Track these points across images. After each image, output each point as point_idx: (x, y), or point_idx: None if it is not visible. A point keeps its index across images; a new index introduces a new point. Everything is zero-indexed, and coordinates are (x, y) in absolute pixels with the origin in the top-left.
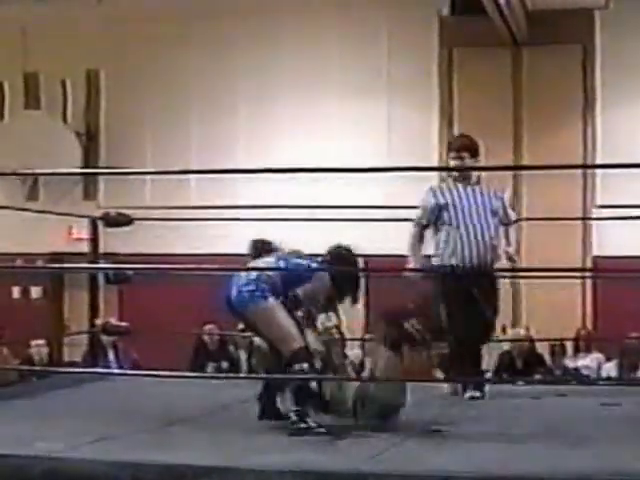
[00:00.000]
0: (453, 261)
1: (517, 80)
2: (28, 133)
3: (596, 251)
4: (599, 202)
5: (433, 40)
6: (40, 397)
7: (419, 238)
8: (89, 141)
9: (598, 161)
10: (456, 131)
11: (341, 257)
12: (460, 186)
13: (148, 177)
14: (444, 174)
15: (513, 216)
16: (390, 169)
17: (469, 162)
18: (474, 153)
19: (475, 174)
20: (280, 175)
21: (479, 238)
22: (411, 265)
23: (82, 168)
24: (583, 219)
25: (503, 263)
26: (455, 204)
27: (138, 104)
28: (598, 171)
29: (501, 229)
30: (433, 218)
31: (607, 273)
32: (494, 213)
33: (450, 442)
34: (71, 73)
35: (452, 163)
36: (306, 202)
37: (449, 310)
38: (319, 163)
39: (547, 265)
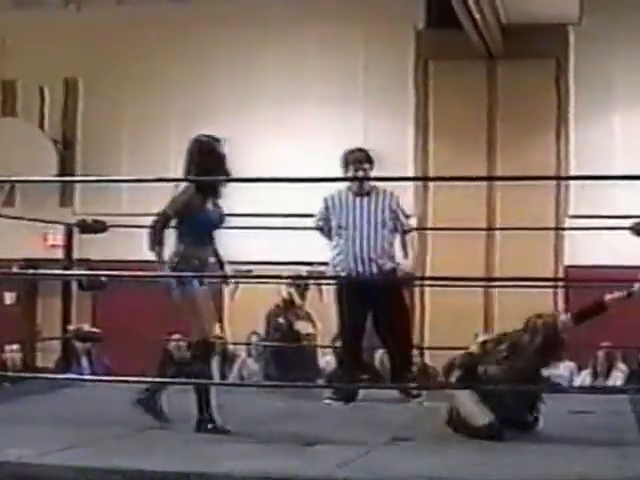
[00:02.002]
0: (340, 269)
1: (492, 92)
2: (5, 140)
3: (568, 260)
4: (572, 212)
5: (409, 52)
6: (12, 402)
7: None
8: (66, 149)
9: (571, 173)
10: (431, 142)
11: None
12: (351, 196)
13: (124, 185)
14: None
15: (407, 226)
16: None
17: (369, 173)
18: (372, 165)
19: (368, 185)
20: (256, 183)
21: (364, 247)
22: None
23: (59, 175)
24: (556, 229)
25: (402, 268)
26: (343, 215)
27: (115, 112)
28: (571, 182)
29: (396, 238)
30: (324, 225)
31: (579, 282)
32: (383, 223)
33: (422, 449)
34: (49, 81)
35: (354, 174)
36: (282, 209)
37: (339, 315)
38: (296, 171)
39: (520, 274)
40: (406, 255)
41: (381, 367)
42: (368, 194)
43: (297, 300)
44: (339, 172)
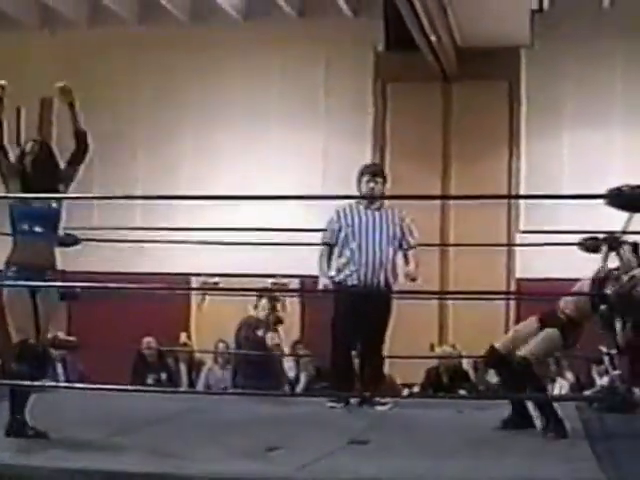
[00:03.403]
0: (349, 280)
1: (447, 113)
2: None
3: (519, 274)
4: (522, 228)
5: (368, 74)
6: None
7: (327, 257)
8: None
9: (522, 189)
10: (388, 160)
11: None
12: (363, 210)
13: (95, 201)
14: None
15: (412, 242)
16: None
17: (381, 187)
18: (385, 179)
19: (379, 201)
20: (216, 200)
21: (374, 259)
22: (322, 285)
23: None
24: (508, 245)
25: (401, 283)
26: (355, 226)
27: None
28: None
29: (400, 253)
30: (335, 239)
31: (529, 295)
32: (392, 237)
33: (378, 452)
34: (25, 100)
35: (367, 186)
36: (242, 225)
37: (335, 322)
38: (259, 190)
39: (473, 287)
40: (409, 266)
41: None
42: (378, 209)
43: (265, 312)
44: (303, 189)
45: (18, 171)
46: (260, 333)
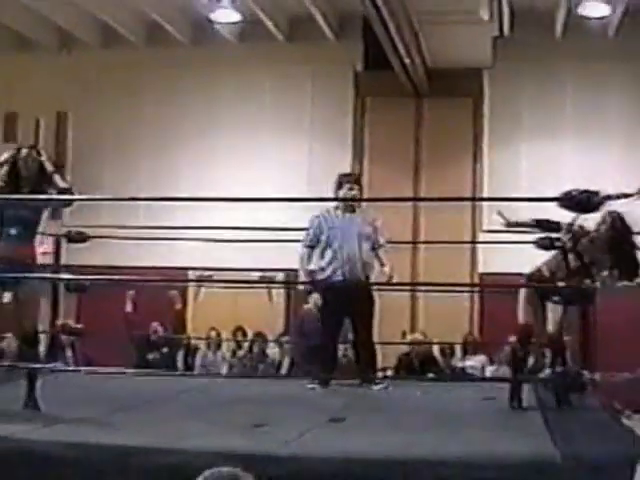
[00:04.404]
0: (335, 276)
1: (418, 125)
2: None
3: (482, 269)
4: (485, 227)
5: (349, 90)
6: (6, 386)
7: (307, 258)
8: (57, 170)
9: (484, 194)
10: (366, 166)
11: None
12: (340, 214)
13: (103, 202)
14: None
15: (382, 241)
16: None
17: (358, 193)
18: (361, 187)
19: (356, 204)
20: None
21: (352, 257)
22: (301, 279)
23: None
24: (472, 243)
25: (376, 277)
26: (336, 229)
27: (99, 141)
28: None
29: (373, 252)
30: (317, 240)
31: (491, 287)
32: (367, 237)
33: (355, 429)
34: (44, 114)
35: (348, 193)
36: (239, 224)
37: (323, 315)
38: (251, 191)
39: (441, 280)
40: (383, 264)
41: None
42: (353, 212)
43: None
44: (289, 191)
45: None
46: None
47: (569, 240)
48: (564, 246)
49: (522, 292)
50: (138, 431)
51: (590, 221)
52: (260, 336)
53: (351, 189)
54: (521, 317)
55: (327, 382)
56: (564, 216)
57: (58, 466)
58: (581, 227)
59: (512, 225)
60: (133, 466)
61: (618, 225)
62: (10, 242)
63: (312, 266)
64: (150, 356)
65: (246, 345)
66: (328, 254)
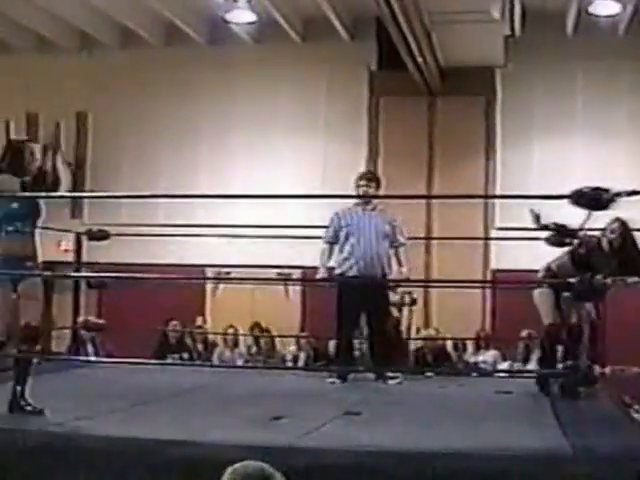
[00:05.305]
0: (350, 272)
1: (431, 123)
2: None
3: (494, 265)
4: (497, 224)
5: (363, 90)
6: (33, 379)
7: (328, 253)
8: (77, 170)
9: (497, 191)
10: (380, 164)
11: None
12: (360, 211)
13: (124, 200)
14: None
15: (402, 240)
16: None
17: (374, 190)
18: (378, 184)
19: (374, 203)
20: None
21: (369, 253)
22: (320, 275)
23: (71, 192)
24: (485, 239)
25: (395, 275)
26: (353, 225)
27: (118, 140)
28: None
29: (392, 250)
30: (336, 236)
31: (503, 284)
32: (385, 235)
33: (371, 422)
34: (64, 114)
35: (363, 189)
36: (255, 222)
37: (339, 309)
38: (267, 191)
39: (454, 277)
40: (400, 264)
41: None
42: (373, 210)
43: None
44: (304, 191)
45: None
46: (396, 314)
47: (584, 254)
48: (574, 256)
49: (536, 293)
50: (162, 424)
51: (600, 223)
52: (267, 332)
53: (366, 186)
54: (545, 318)
55: (345, 376)
56: (576, 214)
57: (90, 458)
58: (593, 239)
59: (539, 225)
60: (156, 459)
61: (629, 244)
62: (10, 238)
63: (332, 262)
64: (169, 360)
65: (262, 342)
66: (346, 250)
